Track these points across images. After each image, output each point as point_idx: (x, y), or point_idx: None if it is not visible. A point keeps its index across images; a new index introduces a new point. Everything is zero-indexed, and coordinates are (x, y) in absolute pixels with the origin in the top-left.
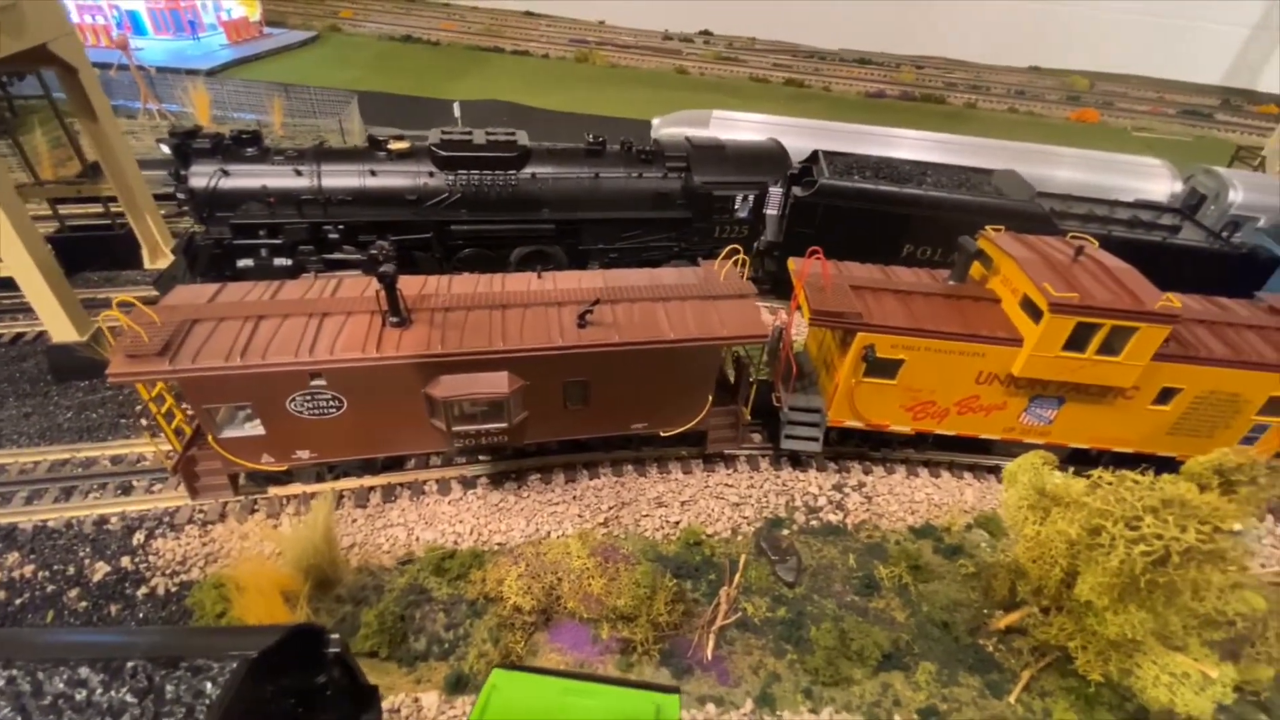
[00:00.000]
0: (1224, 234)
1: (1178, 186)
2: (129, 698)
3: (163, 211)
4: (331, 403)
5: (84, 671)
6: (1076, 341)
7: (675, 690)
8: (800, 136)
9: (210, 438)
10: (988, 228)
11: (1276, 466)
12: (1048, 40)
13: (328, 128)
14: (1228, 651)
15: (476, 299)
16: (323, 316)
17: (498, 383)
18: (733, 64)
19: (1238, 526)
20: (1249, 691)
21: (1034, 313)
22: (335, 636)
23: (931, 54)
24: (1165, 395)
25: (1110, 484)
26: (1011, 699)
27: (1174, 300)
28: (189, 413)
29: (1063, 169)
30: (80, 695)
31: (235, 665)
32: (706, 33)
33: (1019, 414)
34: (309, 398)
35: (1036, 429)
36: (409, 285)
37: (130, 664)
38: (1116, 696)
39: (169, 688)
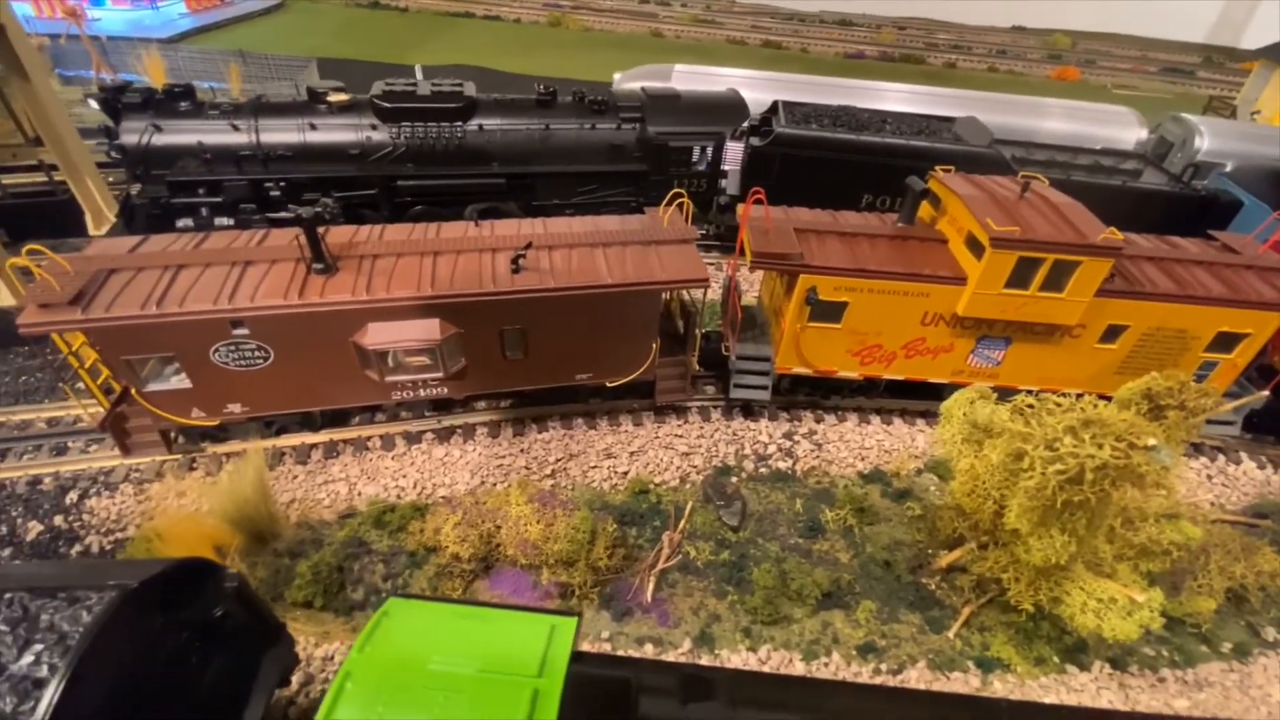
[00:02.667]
0: (1186, 178)
1: (1144, 134)
2: (1, 626)
3: (110, 178)
4: (258, 353)
5: None
6: (1019, 278)
7: (576, 614)
8: (766, 90)
9: (134, 391)
10: (937, 168)
11: (1205, 390)
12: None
13: (284, 93)
14: (1171, 585)
15: (408, 246)
16: (246, 265)
17: (429, 330)
18: (710, 27)
19: (1151, 441)
20: (1191, 624)
21: (977, 249)
22: (232, 571)
23: (915, 15)
24: (1112, 333)
25: (1032, 408)
26: (951, 634)
27: (1116, 234)
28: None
29: (1027, 117)
30: None
31: (113, 595)
32: None
33: (967, 356)
34: (233, 348)
35: (985, 371)
36: (340, 234)
37: (7, 594)
38: (1056, 630)
39: (44, 616)
